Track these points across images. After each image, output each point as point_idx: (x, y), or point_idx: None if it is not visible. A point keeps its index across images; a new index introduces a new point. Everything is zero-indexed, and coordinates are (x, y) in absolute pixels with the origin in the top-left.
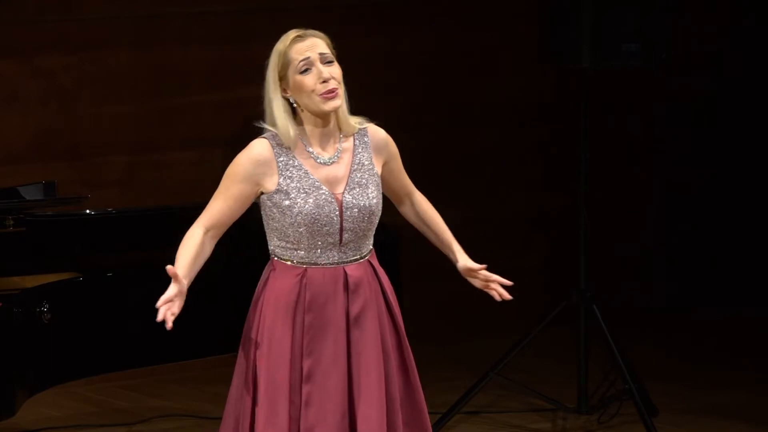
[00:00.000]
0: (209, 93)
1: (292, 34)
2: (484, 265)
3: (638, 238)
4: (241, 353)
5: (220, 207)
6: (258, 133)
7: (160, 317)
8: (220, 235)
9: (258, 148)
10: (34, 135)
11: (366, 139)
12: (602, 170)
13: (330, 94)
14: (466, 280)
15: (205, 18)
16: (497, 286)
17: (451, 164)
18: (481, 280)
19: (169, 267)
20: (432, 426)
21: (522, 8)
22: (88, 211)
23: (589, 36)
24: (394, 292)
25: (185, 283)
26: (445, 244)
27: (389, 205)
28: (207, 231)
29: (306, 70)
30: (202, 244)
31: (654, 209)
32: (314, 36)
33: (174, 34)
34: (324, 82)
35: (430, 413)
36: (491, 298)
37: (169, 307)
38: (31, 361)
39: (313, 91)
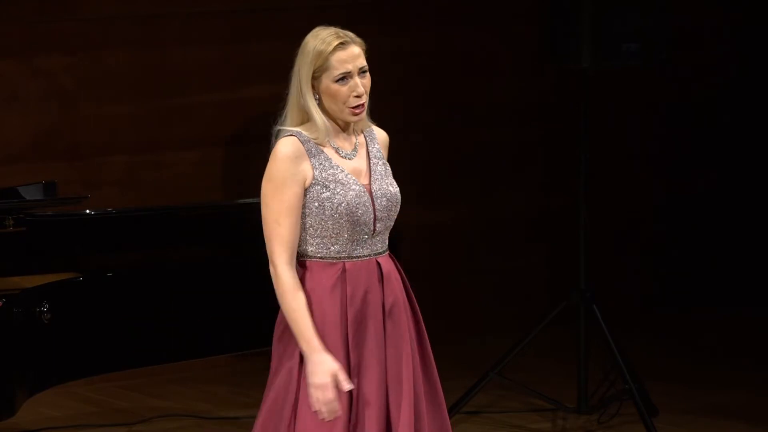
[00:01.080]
0: (209, 93)
1: (334, 39)
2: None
3: (638, 238)
4: (283, 357)
5: (290, 224)
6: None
7: (346, 388)
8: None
9: (288, 146)
10: (34, 135)
11: (374, 136)
12: (602, 170)
13: (358, 109)
14: (465, 281)
15: (205, 18)
16: None
17: (452, 164)
18: None
19: (322, 382)
20: None
21: (522, 8)
22: (88, 211)
23: (589, 36)
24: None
25: (325, 350)
26: None
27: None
28: (291, 263)
29: (343, 80)
30: (300, 286)
31: (654, 209)
32: (355, 44)
33: (174, 34)
34: (357, 96)
35: None
36: (491, 298)
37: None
38: (31, 361)
39: (345, 102)
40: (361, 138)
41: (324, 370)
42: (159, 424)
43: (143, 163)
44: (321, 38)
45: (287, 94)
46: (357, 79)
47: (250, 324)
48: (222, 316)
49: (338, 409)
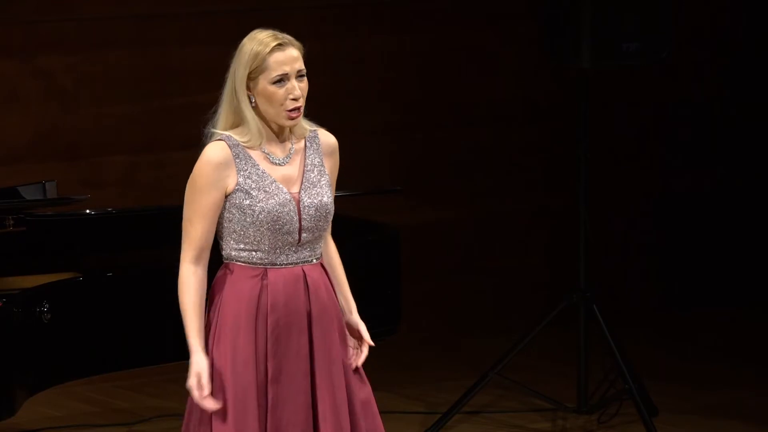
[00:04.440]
0: (209, 93)
1: (272, 40)
2: (369, 343)
3: (638, 238)
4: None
5: (201, 228)
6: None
7: (210, 407)
8: (209, 255)
9: (215, 151)
10: (34, 135)
11: (317, 142)
12: (602, 170)
13: (295, 113)
14: (465, 281)
15: (205, 18)
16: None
17: (451, 164)
18: (356, 338)
19: (191, 384)
20: (432, 426)
21: (522, 8)
22: (88, 211)
23: (589, 36)
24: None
25: (203, 350)
26: (342, 288)
27: (390, 205)
28: (197, 263)
29: (280, 82)
30: (200, 285)
31: (654, 209)
32: (293, 46)
33: (174, 34)
34: (294, 99)
35: (429, 413)
36: (491, 298)
37: (206, 390)
38: (31, 361)
39: (281, 105)
40: (299, 144)
41: (191, 372)
42: (159, 424)
43: (143, 163)
44: (258, 40)
45: (220, 95)
46: (294, 82)
47: None
48: None
49: (212, 406)
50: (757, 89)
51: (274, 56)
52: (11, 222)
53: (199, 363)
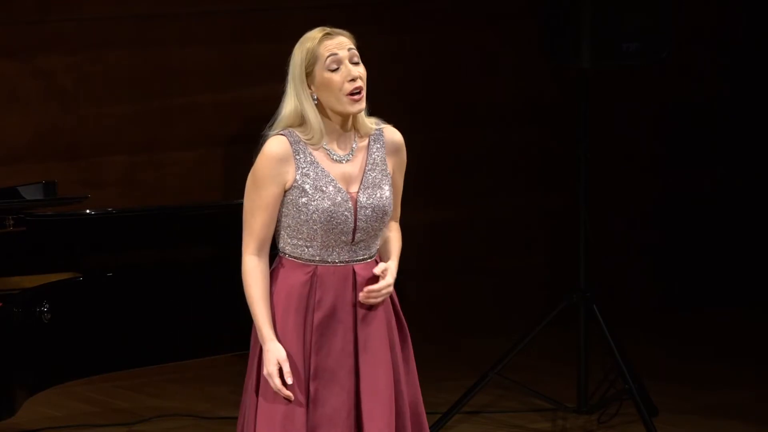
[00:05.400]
0: (209, 93)
1: (320, 32)
2: (382, 283)
3: (638, 237)
4: (253, 350)
5: (262, 220)
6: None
7: (287, 394)
8: (269, 247)
9: (276, 145)
10: (34, 135)
11: (381, 140)
12: (602, 170)
13: (357, 96)
14: (466, 281)
15: (205, 18)
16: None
17: (451, 164)
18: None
19: (270, 371)
20: (432, 426)
21: (522, 8)
22: (88, 211)
23: (589, 36)
24: (396, 294)
25: (276, 338)
26: (388, 249)
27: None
28: (259, 254)
29: (336, 69)
30: (264, 276)
31: (654, 209)
32: (342, 35)
33: (174, 34)
34: (352, 80)
35: (429, 413)
36: (491, 298)
37: (289, 379)
38: (31, 361)
39: (340, 89)
40: (363, 142)
41: (269, 359)
42: (159, 424)
43: (143, 163)
44: (306, 38)
45: (282, 101)
46: (349, 65)
47: (250, 324)
48: (222, 315)
49: (290, 395)
50: (757, 89)
51: (324, 44)
52: (11, 222)
53: (277, 351)
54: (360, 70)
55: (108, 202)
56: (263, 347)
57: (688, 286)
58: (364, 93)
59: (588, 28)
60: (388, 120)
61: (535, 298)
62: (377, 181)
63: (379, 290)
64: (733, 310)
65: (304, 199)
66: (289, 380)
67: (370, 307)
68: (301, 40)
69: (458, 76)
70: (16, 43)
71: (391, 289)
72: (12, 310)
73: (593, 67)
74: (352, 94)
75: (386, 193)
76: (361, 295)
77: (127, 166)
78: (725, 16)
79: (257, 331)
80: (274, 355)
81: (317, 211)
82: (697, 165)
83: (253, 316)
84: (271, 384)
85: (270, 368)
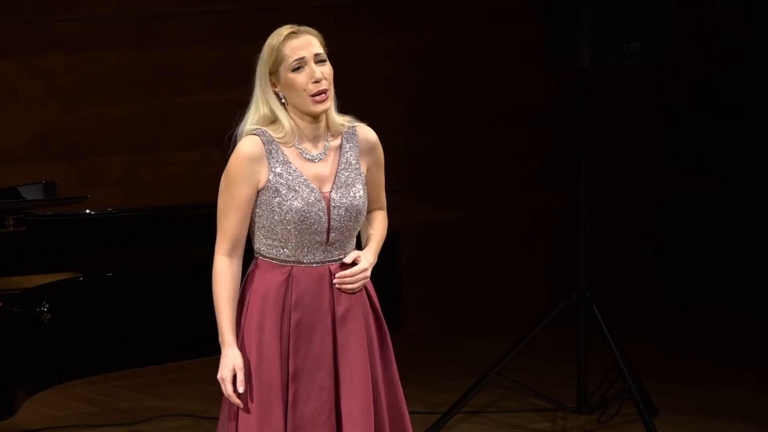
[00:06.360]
0: (209, 93)
1: (286, 30)
2: (355, 268)
3: (638, 238)
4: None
5: (235, 220)
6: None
7: (237, 402)
8: (243, 249)
9: (249, 145)
10: (34, 135)
11: (354, 139)
12: (602, 170)
13: (321, 96)
14: (466, 281)
15: (205, 18)
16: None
17: (451, 164)
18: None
19: (223, 376)
20: (432, 426)
21: (522, 8)
22: (88, 211)
23: (588, 36)
24: (374, 290)
25: (236, 344)
26: (370, 235)
27: (389, 205)
28: (231, 255)
29: (299, 68)
30: (234, 278)
31: (654, 209)
32: (308, 33)
33: (174, 34)
34: (316, 82)
35: (429, 413)
36: (491, 298)
37: (241, 386)
38: (31, 361)
39: (304, 90)
40: (336, 141)
41: (225, 364)
42: (159, 424)
43: (143, 163)
44: (273, 35)
45: (251, 100)
46: (313, 66)
47: None
48: None
49: (239, 403)
50: (756, 89)
51: (289, 44)
52: (11, 222)
53: (234, 357)
54: (325, 70)
55: (108, 202)
56: (222, 351)
57: (688, 286)
58: (330, 93)
59: (588, 28)
60: (388, 119)
61: (535, 298)
62: (350, 180)
63: (352, 275)
64: (733, 310)
65: (277, 199)
66: (241, 389)
67: (348, 307)
68: (269, 37)
69: (458, 76)
70: (16, 43)
71: (368, 275)
72: (12, 310)
73: (593, 67)
74: (316, 94)
75: (360, 192)
76: (336, 281)
77: (127, 166)
78: (725, 16)
79: (220, 336)
80: (231, 360)
81: (290, 211)
82: (697, 165)
83: (216, 318)
84: (223, 389)
85: (224, 373)
